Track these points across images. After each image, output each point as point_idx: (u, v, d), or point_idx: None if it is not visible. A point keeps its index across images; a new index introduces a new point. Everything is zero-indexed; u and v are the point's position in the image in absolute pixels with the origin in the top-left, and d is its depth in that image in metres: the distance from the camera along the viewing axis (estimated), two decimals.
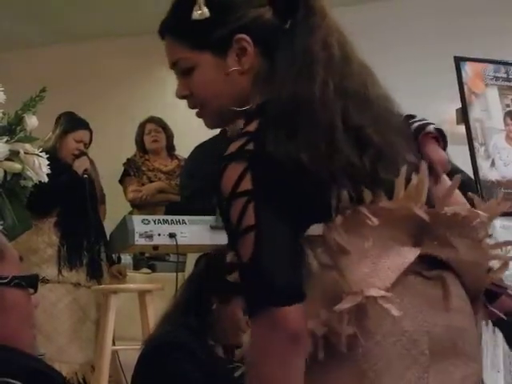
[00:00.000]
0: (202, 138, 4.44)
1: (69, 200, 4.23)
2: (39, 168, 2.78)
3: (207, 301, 2.36)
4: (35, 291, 1.53)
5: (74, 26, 6.69)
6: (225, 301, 2.38)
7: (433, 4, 6.29)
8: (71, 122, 4.43)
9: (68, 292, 4.24)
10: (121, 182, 5.49)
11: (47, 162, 2.80)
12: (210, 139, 4.48)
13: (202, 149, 4.35)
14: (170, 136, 5.58)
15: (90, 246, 4.29)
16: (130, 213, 5.12)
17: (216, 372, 2.33)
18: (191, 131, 5.61)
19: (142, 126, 5.62)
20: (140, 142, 5.58)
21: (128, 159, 5.54)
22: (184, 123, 5.89)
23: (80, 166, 4.29)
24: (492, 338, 3.78)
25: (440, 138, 1.72)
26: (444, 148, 1.71)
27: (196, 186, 4.14)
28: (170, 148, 5.59)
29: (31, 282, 1.51)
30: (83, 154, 4.34)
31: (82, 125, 4.44)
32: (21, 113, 2.85)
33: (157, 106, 6.48)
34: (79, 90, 6.82)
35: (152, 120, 5.62)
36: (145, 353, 2.35)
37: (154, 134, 5.54)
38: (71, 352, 4.21)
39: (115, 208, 4.89)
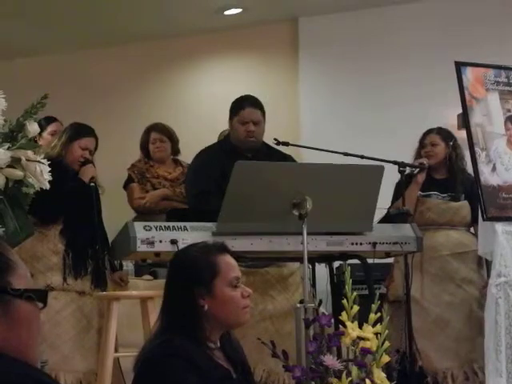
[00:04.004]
0: (206, 144, 4.45)
1: (75, 208, 4.22)
2: (41, 175, 2.78)
3: (197, 304, 2.36)
4: (44, 306, 1.53)
5: (76, 34, 6.70)
6: (208, 286, 2.37)
7: (434, 11, 6.29)
8: (77, 130, 4.41)
9: (72, 300, 4.22)
10: (125, 187, 5.48)
11: (49, 169, 2.80)
12: (215, 144, 4.47)
13: (207, 153, 4.35)
14: (175, 142, 5.53)
15: (94, 255, 4.28)
16: (134, 219, 5.09)
17: (217, 380, 2.32)
18: (194, 137, 5.64)
19: (146, 133, 5.54)
20: (145, 149, 5.54)
21: (132, 164, 5.51)
22: (188, 129, 5.91)
23: (86, 173, 4.28)
24: (494, 344, 3.77)
25: None
26: None
27: (202, 188, 4.14)
28: (175, 153, 5.55)
29: (41, 297, 1.51)
30: (89, 161, 4.34)
31: (88, 132, 4.42)
32: (22, 119, 2.85)
33: (160, 112, 6.49)
34: (82, 96, 6.83)
35: (156, 128, 5.52)
36: (144, 362, 2.34)
37: (158, 143, 5.46)
38: (75, 361, 4.19)
39: (117, 214, 4.89)
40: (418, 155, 4.68)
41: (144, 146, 5.52)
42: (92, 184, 4.25)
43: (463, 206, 4.62)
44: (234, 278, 2.41)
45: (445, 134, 4.71)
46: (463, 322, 4.49)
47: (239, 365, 2.44)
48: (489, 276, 4.56)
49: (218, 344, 2.42)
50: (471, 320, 4.50)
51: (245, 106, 4.25)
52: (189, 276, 2.39)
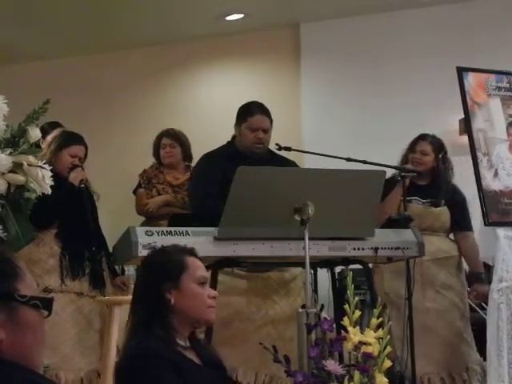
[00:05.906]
0: (207, 149, 4.45)
1: (68, 212, 4.25)
2: (42, 180, 2.79)
3: (165, 298, 2.43)
4: (49, 314, 1.55)
5: (78, 39, 6.72)
6: (176, 280, 2.45)
7: (435, 17, 6.30)
8: (66, 138, 4.46)
9: (71, 301, 4.25)
10: (134, 193, 5.54)
11: (50, 174, 2.81)
12: (219, 148, 4.48)
13: (210, 157, 4.36)
14: (186, 148, 5.54)
15: (91, 256, 4.30)
16: (142, 225, 5.12)
17: (196, 378, 2.37)
18: (195, 142, 5.64)
19: (158, 138, 5.57)
20: (156, 154, 5.57)
21: (144, 170, 5.55)
22: (189, 134, 5.91)
23: (75, 177, 4.31)
24: (496, 349, 3.76)
25: None
26: None
27: (205, 191, 4.14)
28: (188, 159, 5.56)
29: (46, 305, 1.53)
30: (77, 166, 4.37)
31: (77, 140, 4.46)
32: (24, 125, 2.86)
33: (162, 117, 6.50)
34: (84, 101, 6.84)
35: (167, 134, 5.55)
36: (121, 369, 2.38)
37: (168, 149, 5.48)
38: (75, 360, 4.21)
39: (120, 219, 4.90)
40: (406, 158, 4.70)
41: (156, 152, 5.57)
42: (82, 186, 4.28)
43: (443, 211, 4.65)
44: (202, 277, 2.51)
45: (436, 146, 4.71)
46: (443, 328, 4.50)
47: (212, 362, 2.51)
48: (470, 282, 4.60)
49: (188, 343, 2.49)
50: (451, 326, 4.52)
51: (255, 112, 4.25)
52: (157, 271, 2.49)
